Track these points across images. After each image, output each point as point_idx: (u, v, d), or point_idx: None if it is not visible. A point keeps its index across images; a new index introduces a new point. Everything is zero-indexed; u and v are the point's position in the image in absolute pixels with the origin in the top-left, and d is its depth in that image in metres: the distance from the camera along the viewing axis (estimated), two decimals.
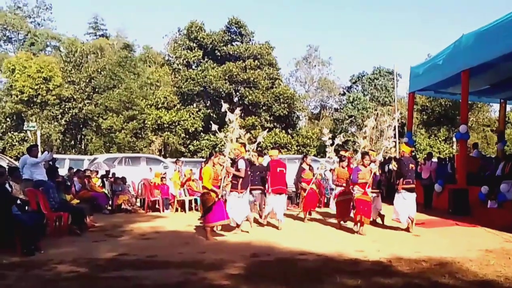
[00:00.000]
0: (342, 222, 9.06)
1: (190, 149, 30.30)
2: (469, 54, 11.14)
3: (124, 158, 17.52)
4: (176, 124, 29.69)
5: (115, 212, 11.61)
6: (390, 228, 8.77)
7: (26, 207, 7.24)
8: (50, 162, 9.63)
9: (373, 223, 9.09)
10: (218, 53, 31.38)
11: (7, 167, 9.36)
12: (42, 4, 39.58)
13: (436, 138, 31.23)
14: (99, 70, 33.39)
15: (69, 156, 20.52)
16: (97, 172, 13.52)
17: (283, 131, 31.15)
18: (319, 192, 10.96)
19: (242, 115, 26.42)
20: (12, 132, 30.73)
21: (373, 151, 10.26)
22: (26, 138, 30.35)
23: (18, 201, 6.85)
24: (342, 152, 10.09)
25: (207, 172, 7.78)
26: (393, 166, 9.22)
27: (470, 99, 14.27)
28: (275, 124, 31.00)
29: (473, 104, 29.30)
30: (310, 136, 31.09)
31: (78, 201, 9.84)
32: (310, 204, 9.93)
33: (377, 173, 8.86)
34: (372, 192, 8.50)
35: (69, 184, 10.55)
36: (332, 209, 10.91)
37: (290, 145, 29.84)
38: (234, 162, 8.32)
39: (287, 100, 30.67)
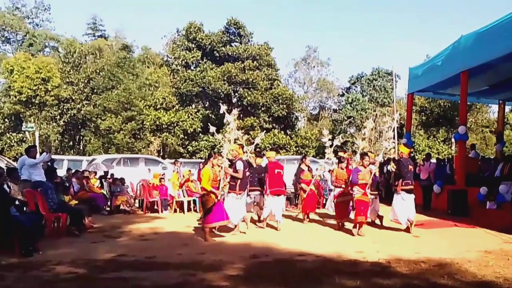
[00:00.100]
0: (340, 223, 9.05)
1: (189, 150, 30.29)
2: (468, 55, 11.15)
3: (122, 159, 17.57)
4: (175, 125, 29.69)
5: (114, 213, 11.59)
6: (389, 229, 8.76)
7: (25, 208, 7.21)
8: (49, 163, 9.63)
9: (372, 224, 9.10)
10: (217, 54, 31.36)
11: (6, 168, 9.35)
12: (40, 5, 39.56)
13: (435, 139, 31.25)
14: (98, 71, 33.37)
15: (67, 157, 20.56)
16: (95, 173, 13.53)
17: (282, 132, 31.16)
18: (317, 193, 10.96)
19: (241, 116, 26.45)
20: (10, 133, 30.70)
21: (372, 152, 10.27)
22: (24, 139, 30.34)
23: (17, 202, 6.85)
24: (340, 153, 10.09)
25: (206, 173, 7.78)
26: (391, 167, 9.24)
27: (469, 100, 14.26)
28: (274, 125, 31.02)
29: (472, 105, 29.39)
30: (309, 137, 31.14)
31: (76, 202, 9.80)
32: (309, 205, 9.91)
33: (377, 174, 8.87)
34: (370, 194, 8.52)
35: (67, 185, 10.55)
36: (329, 210, 10.94)
37: (289, 146, 29.85)
38: (232, 163, 8.31)
39: (286, 101, 30.68)
